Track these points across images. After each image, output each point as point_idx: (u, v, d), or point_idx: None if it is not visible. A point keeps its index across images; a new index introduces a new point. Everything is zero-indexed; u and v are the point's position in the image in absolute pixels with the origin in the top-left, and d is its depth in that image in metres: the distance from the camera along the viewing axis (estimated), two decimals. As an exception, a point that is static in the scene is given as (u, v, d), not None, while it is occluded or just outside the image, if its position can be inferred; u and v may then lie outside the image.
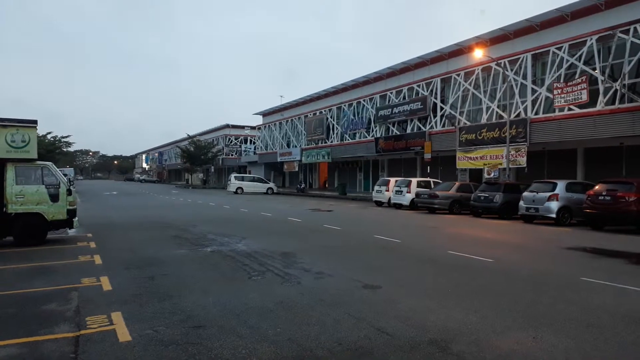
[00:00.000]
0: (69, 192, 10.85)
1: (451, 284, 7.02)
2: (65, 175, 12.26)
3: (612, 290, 6.59)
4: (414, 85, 30.73)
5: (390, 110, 32.58)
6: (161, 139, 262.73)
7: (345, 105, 38.36)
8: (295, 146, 46.16)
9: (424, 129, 29.39)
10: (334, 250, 10.14)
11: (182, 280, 7.17)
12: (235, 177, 43.33)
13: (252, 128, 62.69)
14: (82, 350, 4.28)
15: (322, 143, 41.62)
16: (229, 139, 67.80)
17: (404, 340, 4.53)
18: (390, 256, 9.47)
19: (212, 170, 69.14)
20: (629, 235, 13.31)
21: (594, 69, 19.74)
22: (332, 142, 40.14)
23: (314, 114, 43.38)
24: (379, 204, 25.66)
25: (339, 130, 39.23)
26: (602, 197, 14.55)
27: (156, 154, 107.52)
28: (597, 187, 15.16)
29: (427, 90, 29.41)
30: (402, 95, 31.96)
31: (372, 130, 34.76)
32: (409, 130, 30.94)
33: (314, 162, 43.43)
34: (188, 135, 66.20)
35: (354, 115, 37.14)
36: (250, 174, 51.62)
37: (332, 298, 6.05)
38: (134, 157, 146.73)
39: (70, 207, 10.93)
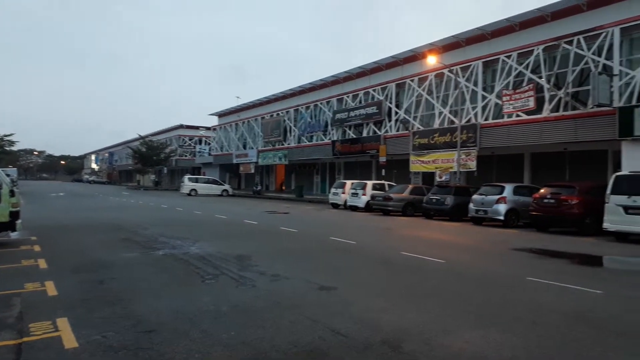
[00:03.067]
0: (12, 193, 10.31)
1: (405, 284, 7.16)
2: (8, 175, 11.65)
3: (555, 289, 6.91)
4: (370, 90, 31.17)
5: (347, 113, 32.90)
6: (111, 139, 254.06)
7: (302, 108, 38.43)
8: (252, 148, 45.80)
9: (379, 133, 29.85)
10: (290, 252, 10.13)
11: (133, 284, 6.96)
12: (189, 178, 42.44)
13: (207, 129, 61.62)
14: (25, 358, 4.08)
15: (279, 145, 41.49)
16: (183, 139, 66.41)
17: (358, 340, 4.58)
18: (346, 258, 9.55)
19: (165, 171, 67.49)
20: (571, 237, 14.01)
21: (541, 78, 20.67)
22: (289, 144, 40.08)
23: (271, 115, 43.20)
24: (336, 206, 25.85)
25: (296, 132, 39.23)
26: (547, 200, 15.24)
27: (106, 155, 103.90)
28: (542, 190, 15.86)
29: (383, 95, 29.91)
30: (358, 99, 32.35)
31: (329, 133, 34.98)
32: (365, 134, 31.34)
33: (270, 164, 43.22)
34: (140, 135, 64.35)
35: (312, 118, 37.26)
36: (204, 175, 50.73)
37: (287, 300, 6.04)
38: (82, 158, 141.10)
39: (13, 209, 10.38)
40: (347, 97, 33.39)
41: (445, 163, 24.80)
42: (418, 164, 26.80)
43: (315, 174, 41.01)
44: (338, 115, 33.71)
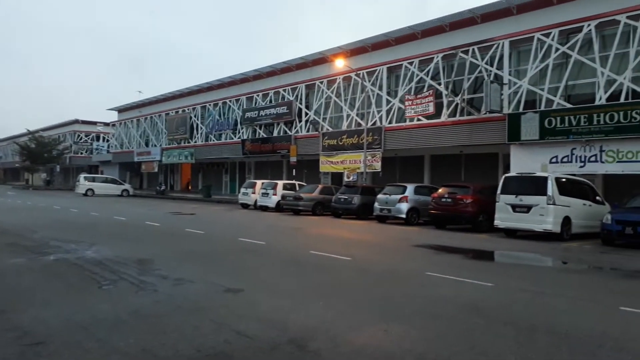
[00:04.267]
0: None
1: (312, 283, 7.22)
2: None
3: (452, 283, 7.36)
4: (280, 90, 31.20)
5: (257, 112, 32.63)
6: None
7: (210, 105, 37.48)
8: (155, 145, 43.80)
9: (290, 133, 29.97)
10: (195, 255, 9.79)
11: (18, 292, 6.31)
12: (85, 177, 39.42)
13: (106, 124, 57.73)
14: None
15: (185, 143, 40.07)
16: (79, 135, 61.72)
17: (264, 341, 4.52)
18: (254, 258, 9.44)
19: (58, 169, 62.25)
20: (467, 233, 15.04)
21: (440, 84, 22.00)
22: (196, 142, 38.89)
23: (177, 112, 41.59)
24: (245, 206, 25.53)
25: (203, 130, 38.17)
26: (445, 200, 16.23)
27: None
28: (440, 190, 16.87)
29: (293, 95, 30.07)
30: (268, 98, 32.24)
31: (239, 132, 34.47)
32: (275, 134, 31.30)
33: (175, 162, 41.60)
34: (28, 130, 58.82)
35: (220, 116, 36.48)
36: (102, 174, 47.56)
37: (191, 304, 5.82)
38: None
39: None
40: (257, 96, 33.13)
41: (352, 164, 25.52)
42: (327, 165, 27.30)
43: (224, 174, 40.20)
44: (248, 114, 33.33)
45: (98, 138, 61.03)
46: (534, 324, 5.24)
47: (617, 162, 16.12)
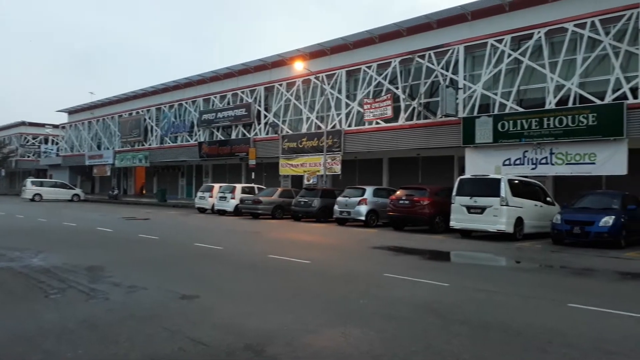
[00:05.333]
0: None
1: (271, 287, 7.13)
2: None
3: (409, 284, 7.43)
4: (239, 92, 30.88)
5: (214, 114, 32.16)
6: None
7: (165, 107, 36.65)
8: (108, 148, 42.42)
9: (248, 136, 29.70)
10: (149, 261, 9.50)
11: (-47, 305, 5.91)
12: (32, 182, 37.61)
13: (55, 127, 55.32)
14: None
15: (139, 146, 38.98)
16: (25, 138, 58.91)
17: (220, 348, 4.41)
18: (211, 264, 9.25)
19: (3, 174, 59.23)
20: (424, 234, 15.30)
21: (397, 88, 22.33)
22: (150, 144, 37.92)
23: (130, 114, 40.41)
24: (202, 210, 25.06)
25: (158, 132, 37.28)
26: (402, 202, 16.46)
27: None
28: (398, 192, 17.10)
29: (252, 98, 29.82)
30: (226, 100, 31.83)
31: (196, 134, 33.87)
32: (233, 136, 30.94)
33: (129, 166, 40.42)
34: (-30, 132, 55.80)
35: (176, 118, 35.73)
36: (51, 178, 45.59)
37: (145, 312, 5.62)
38: None
39: None
40: (215, 97, 32.67)
41: (312, 167, 25.53)
42: (287, 167, 27.20)
43: (181, 177, 39.37)
44: (205, 116, 32.81)
45: (47, 141, 58.45)
46: (488, 322, 5.36)
47: (566, 164, 16.84)
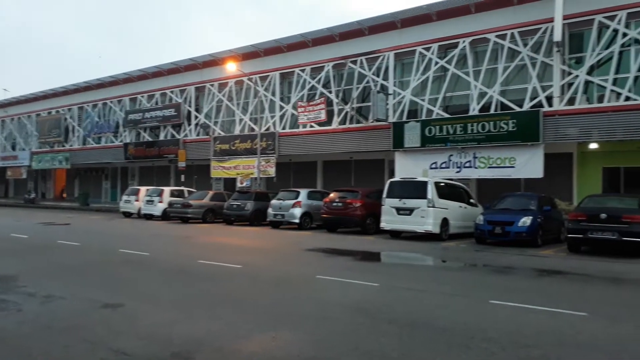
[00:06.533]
0: None
1: (200, 293, 6.91)
2: None
3: (340, 285, 7.49)
4: (168, 91, 29.91)
5: (141, 114, 30.92)
6: None
7: (88, 106, 34.77)
8: (23, 149, 39.55)
9: (178, 137, 28.82)
10: (69, 268, 8.92)
11: None
12: None
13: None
14: None
15: (59, 146, 36.65)
16: None
17: (144, 358, 4.21)
18: (137, 270, 8.83)
19: None
20: (356, 236, 15.54)
21: (331, 92, 22.59)
22: (71, 145, 35.80)
23: (49, 112, 37.90)
24: (128, 215, 23.95)
25: (80, 133, 35.28)
26: (336, 204, 16.64)
27: None
28: (331, 195, 17.27)
29: (182, 98, 28.99)
30: (154, 100, 30.73)
31: (121, 135, 32.40)
32: (162, 137, 29.90)
33: (48, 168, 37.87)
34: None
35: (100, 118, 34.00)
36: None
37: (62, 323, 5.24)
38: None
39: None
40: (142, 97, 31.45)
41: (246, 169, 25.22)
42: (219, 170, 26.68)
43: (104, 180, 37.44)
44: (131, 116, 31.48)
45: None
46: (415, 320, 5.51)
47: (488, 167, 17.80)
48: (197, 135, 28.13)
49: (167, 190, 22.99)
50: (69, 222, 19.47)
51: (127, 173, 35.32)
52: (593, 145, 17.36)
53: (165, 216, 21.80)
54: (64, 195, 40.98)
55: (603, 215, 11.23)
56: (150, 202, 22.58)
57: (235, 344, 4.62)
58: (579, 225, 11.58)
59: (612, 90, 16.05)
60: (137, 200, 23.44)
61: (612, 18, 16.10)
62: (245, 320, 5.44)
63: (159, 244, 13.32)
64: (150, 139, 30.67)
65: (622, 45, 16.05)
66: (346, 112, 22.14)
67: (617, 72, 16.13)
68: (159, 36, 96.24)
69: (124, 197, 24.42)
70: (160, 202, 22.18)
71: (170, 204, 21.44)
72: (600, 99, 16.42)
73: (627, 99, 15.73)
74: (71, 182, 40.21)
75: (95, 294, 6.66)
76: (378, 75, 21.20)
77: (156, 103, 30.54)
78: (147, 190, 23.60)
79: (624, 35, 15.92)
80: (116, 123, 32.79)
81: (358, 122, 21.83)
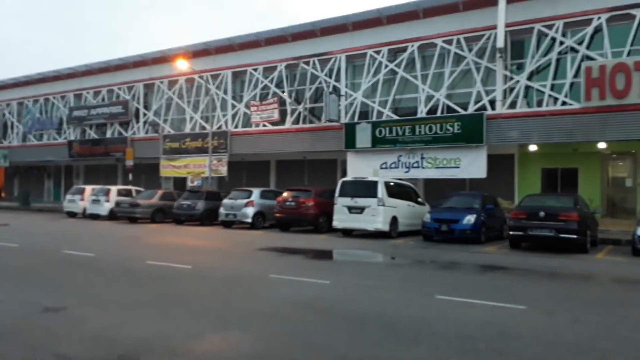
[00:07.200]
0: None
1: (148, 294, 6.78)
2: None
3: (292, 284, 7.54)
4: (115, 88, 28.94)
5: (87, 111, 29.76)
6: None
7: (29, 101, 33.11)
8: (-42, 146, 37.12)
9: (125, 135, 27.96)
10: (7, 270, 8.51)
11: None
12: None
13: None
14: None
15: (-4, 144, 34.69)
16: None
17: (90, 362, 4.10)
18: (82, 272, 8.53)
19: None
20: (309, 235, 15.64)
21: (283, 92, 22.59)
22: (10, 142, 33.99)
23: (-14, 108, 35.84)
24: (72, 215, 23.02)
25: (20, 129, 33.54)
26: (289, 203, 16.68)
27: None
28: (284, 194, 17.28)
29: (130, 95, 28.14)
30: (101, 96, 29.66)
31: (65, 132, 31.08)
32: (109, 135, 28.91)
33: (-16, 166, 35.78)
34: None
35: (42, 114, 32.44)
36: None
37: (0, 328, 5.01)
38: None
39: None
40: (88, 93, 30.30)
41: (197, 168, 24.80)
42: (169, 169, 26.11)
43: (47, 179, 35.78)
44: (76, 113, 30.26)
45: None
46: (365, 316, 5.64)
47: (435, 167, 18.38)
48: (146, 133, 27.40)
49: (114, 189, 22.27)
50: (7, 223, 18.46)
51: (72, 172, 33.91)
52: (533, 147, 18.29)
53: (112, 216, 21.12)
54: (3, 194, 38.74)
55: (541, 214, 11.86)
56: (96, 201, 21.81)
57: (186, 344, 4.58)
58: (520, 223, 12.18)
59: (550, 95, 16.96)
60: (82, 200, 22.59)
61: (550, 27, 17.01)
62: (196, 320, 5.40)
63: (105, 244, 12.90)
64: (96, 137, 29.60)
65: (559, 53, 16.99)
66: (299, 112, 22.22)
67: (554, 78, 17.06)
68: (110, 32, 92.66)
69: (68, 197, 23.47)
70: (107, 201, 21.46)
71: (118, 204, 20.78)
72: (539, 104, 17.32)
73: (564, 103, 16.67)
74: (10, 181, 38.09)
75: (37, 297, 6.39)
76: (330, 77, 21.41)
77: (103, 100, 29.50)
78: (93, 189, 22.78)
79: (561, 43, 16.86)
80: (59, 120, 31.41)
81: (311, 122, 21.97)
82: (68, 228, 17.78)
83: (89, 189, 23.08)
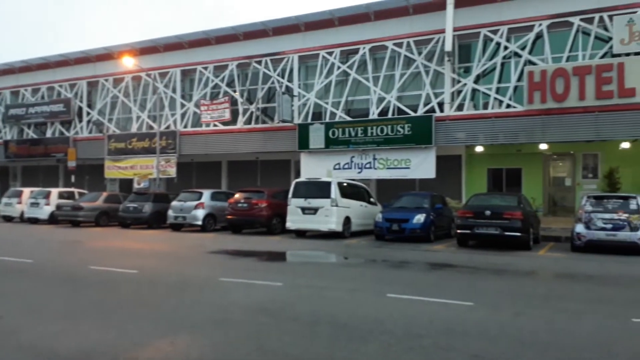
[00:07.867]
0: None
1: (90, 301, 6.46)
2: None
3: (244, 287, 7.41)
4: (55, 85, 27.59)
5: (24, 109, 28.21)
6: None
7: (-39, 99, 30.99)
8: None
9: (67, 134, 26.70)
10: None
11: None
12: None
13: None
14: None
15: None
16: None
17: (24, 375, 3.83)
18: (19, 280, 8.03)
19: None
20: (262, 236, 15.46)
21: (235, 91, 22.26)
22: (-60, 142, 31.65)
23: None
24: (9, 219, 21.78)
25: (-49, 128, 31.34)
26: (241, 205, 16.43)
27: None
28: (236, 195, 17.01)
29: (72, 93, 26.90)
30: (40, 94, 28.19)
31: (1, 132, 29.30)
32: (49, 135, 27.52)
33: None
34: None
35: (-25, 112, 30.44)
36: None
37: None
38: None
39: None
40: (26, 90, 28.74)
41: (144, 169, 24.02)
42: (114, 170, 25.15)
43: (-19, 181, 33.63)
44: (13, 111, 28.64)
45: None
46: (317, 317, 5.60)
47: (387, 168, 18.67)
48: (90, 132, 26.28)
49: (55, 191, 21.22)
50: None
51: (8, 173, 32.00)
52: (479, 148, 18.90)
53: (53, 220, 20.09)
54: None
55: (487, 213, 12.26)
56: (35, 204, 20.70)
57: (131, 352, 4.38)
58: (467, 221, 12.55)
59: (495, 98, 17.59)
60: (19, 203, 21.43)
61: (495, 32, 17.65)
62: (141, 327, 5.18)
63: (44, 249, 12.24)
64: (35, 136, 28.13)
65: (504, 57, 17.65)
66: (251, 112, 21.96)
67: (499, 81, 17.70)
68: (53, 27, 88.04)
69: (4, 200, 22.22)
70: (47, 204, 20.42)
71: (59, 207, 19.79)
72: (485, 106, 17.93)
73: (508, 106, 17.32)
74: (-63, 183, 35.54)
75: (-34, 307, 5.95)
76: (283, 77, 21.30)
77: (42, 97, 28.04)
78: (32, 192, 21.63)
79: (505, 48, 17.53)
80: (-6, 118, 29.61)
81: (264, 122, 21.76)
82: (4, 233, 16.77)
83: (27, 191, 21.93)
